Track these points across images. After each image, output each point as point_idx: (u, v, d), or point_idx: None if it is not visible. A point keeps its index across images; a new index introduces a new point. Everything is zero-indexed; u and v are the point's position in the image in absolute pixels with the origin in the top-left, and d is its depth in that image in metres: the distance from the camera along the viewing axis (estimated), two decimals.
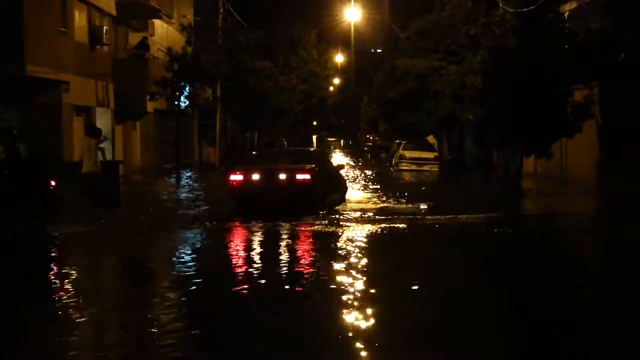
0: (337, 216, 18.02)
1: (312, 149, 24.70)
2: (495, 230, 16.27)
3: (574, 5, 28.52)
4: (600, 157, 26.97)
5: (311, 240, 15.04)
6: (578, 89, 25.53)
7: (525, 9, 24.90)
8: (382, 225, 16.63)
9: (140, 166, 35.49)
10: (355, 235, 15.07)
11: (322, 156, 23.54)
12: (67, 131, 26.52)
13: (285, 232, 15.66)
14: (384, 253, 13.55)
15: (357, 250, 13.07)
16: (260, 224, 16.48)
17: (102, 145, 20.70)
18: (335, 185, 20.74)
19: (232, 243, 15.00)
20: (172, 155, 35.46)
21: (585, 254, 13.93)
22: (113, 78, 31.37)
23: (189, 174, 34.70)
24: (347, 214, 18.69)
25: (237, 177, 18.74)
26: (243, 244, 14.71)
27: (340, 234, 15.37)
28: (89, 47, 29.14)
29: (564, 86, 24.35)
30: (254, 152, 24.60)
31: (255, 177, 18.61)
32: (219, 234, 15.83)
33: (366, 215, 18.35)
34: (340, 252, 13.01)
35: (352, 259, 12.00)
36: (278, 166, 18.98)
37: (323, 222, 16.99)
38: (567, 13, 27.20)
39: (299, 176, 18.38)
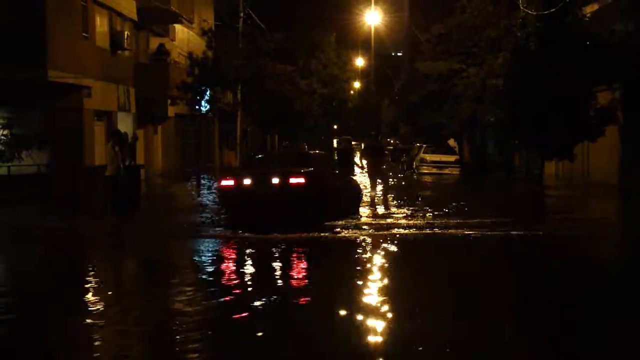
0: (340, 230, 15.76)
1: (314, 152, 22.34)
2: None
3: (596, 7, 28.33)
4: (623, 160, 26.74)
5: (296, 265, 12.49)
6: (600, 91, 25.37)
7: (546, 12, 24.79)
8: (402, 245, 14.07)
9: (161, 170, 35.62)
10: (362, 259, 12.40)
11: (326, 159, 20.87)
12: (89, 135, 26.67)
13: (264, 252, 13.58)
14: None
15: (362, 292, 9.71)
16: (243, 238, 14.94)
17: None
18: (343, 193, 18.61)
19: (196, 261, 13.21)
20: (193, 159, 35.54)
21: None
22: (134, 83, 31.53)
23: (209, 178, 34.76)
24: (355, 227, 16.37)
25: (227, 183, 17.03)
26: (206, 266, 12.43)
27: (338, 256, 13.20)
28: (111, 52, 29.31)
29: (587, 89, 24.19)
30: (256, 156, 22.64)
31: (247, 182, 16.69)
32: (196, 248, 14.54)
33: (379, 232, 15.68)
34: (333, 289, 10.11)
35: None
36: (271, 170, 16.98)
37: (320, 236, 14.96)
38: (588, 15, 27.01)
39: (293, 180, 16.31)
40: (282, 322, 8.44)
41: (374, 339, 7.65)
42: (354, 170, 27.38)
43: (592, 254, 13.67)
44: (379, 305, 8.98)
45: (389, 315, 8.53)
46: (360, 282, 10.41)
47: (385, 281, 10.61)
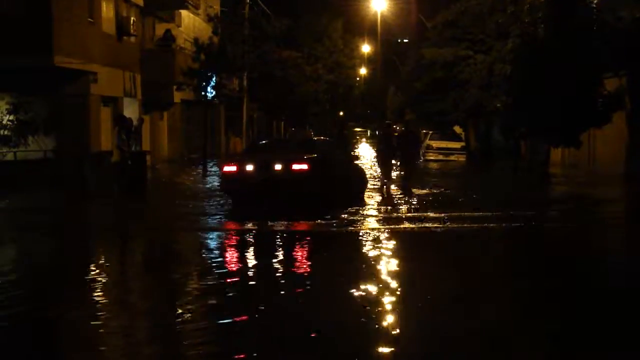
0: (345, 221, 14.90)
1: (317, 139, 22.11)
2: None
3: None
4: (631, 147, 26.65)
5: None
6: (607, 77, 25.28)
7: None
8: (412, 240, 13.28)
9: (167, 156, 35.64)
10: (366, 257, 11.15)
11: (329, 146, 20.32)
12: (95, 121, 26.66)
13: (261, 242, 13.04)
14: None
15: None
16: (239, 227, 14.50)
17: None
18: (347, 180, 18.39)
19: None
20: (199, 146, 35.49)
21: None
22: (140, 69, 31.51)
23: (215, 164, 34.72)
24: (359, 216, 15.77)
25: (230, 168, 16.89)
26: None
27: (339, 249, 12.36)
28: (117, 38, 29.26)
29: (594, 75, 24.12)
30: (260, 142, 22.29)
31: (249, 168, 16.55)
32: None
33: (388, 225, 14.75)
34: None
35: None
36: (274, 156, 16.83)
37: (324, 229, 14.18)
38: (595, 1, 26.90)
39: (296, 166, 16.16)
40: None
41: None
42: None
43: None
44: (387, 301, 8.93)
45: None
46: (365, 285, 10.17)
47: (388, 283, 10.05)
